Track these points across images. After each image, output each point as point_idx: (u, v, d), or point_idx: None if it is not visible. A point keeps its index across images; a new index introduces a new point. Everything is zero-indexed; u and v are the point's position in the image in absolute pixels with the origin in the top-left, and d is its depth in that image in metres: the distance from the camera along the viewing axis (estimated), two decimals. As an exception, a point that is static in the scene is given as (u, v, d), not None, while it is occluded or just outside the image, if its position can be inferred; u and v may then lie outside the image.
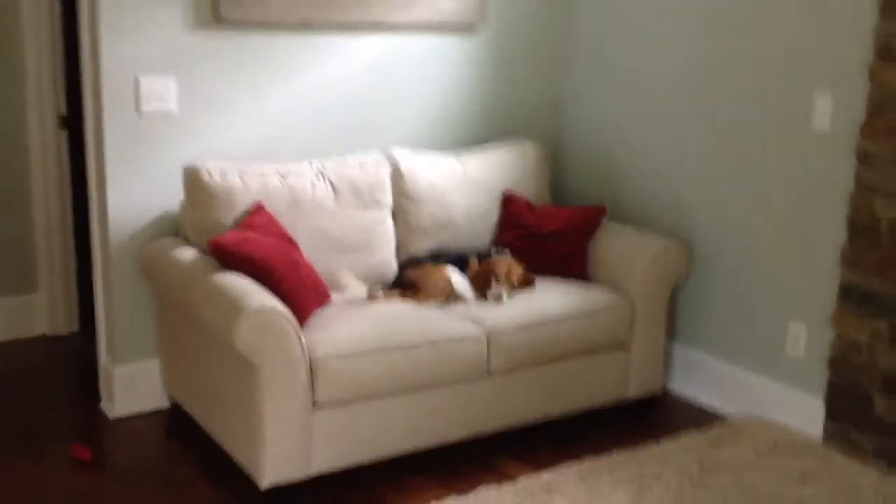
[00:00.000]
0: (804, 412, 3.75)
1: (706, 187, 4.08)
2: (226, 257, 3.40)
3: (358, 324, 3.44)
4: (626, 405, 3.97)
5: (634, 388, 3.95)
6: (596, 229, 4.14)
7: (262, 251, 3.41)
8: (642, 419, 3.98)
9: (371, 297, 3.74)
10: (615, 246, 4.05)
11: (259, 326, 3.07)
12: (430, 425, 3.48)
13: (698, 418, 3.96)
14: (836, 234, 3.62)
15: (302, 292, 3.44)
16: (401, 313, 3.58)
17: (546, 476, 3.40)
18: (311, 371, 3.20)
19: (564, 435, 3.79)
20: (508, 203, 4.27)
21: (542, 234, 4.13)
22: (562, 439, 3.76)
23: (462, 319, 3.60)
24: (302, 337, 3.18)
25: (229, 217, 3.67)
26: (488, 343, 3.53)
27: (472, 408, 3.55)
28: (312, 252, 3.75)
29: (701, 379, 4.14)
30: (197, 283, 3.37)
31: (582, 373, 3.79)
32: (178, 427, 3.83)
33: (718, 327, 4.09)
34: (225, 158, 3.83)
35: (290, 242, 3.65)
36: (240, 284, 3.26)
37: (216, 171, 3.69)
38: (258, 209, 3.70)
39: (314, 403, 3.22)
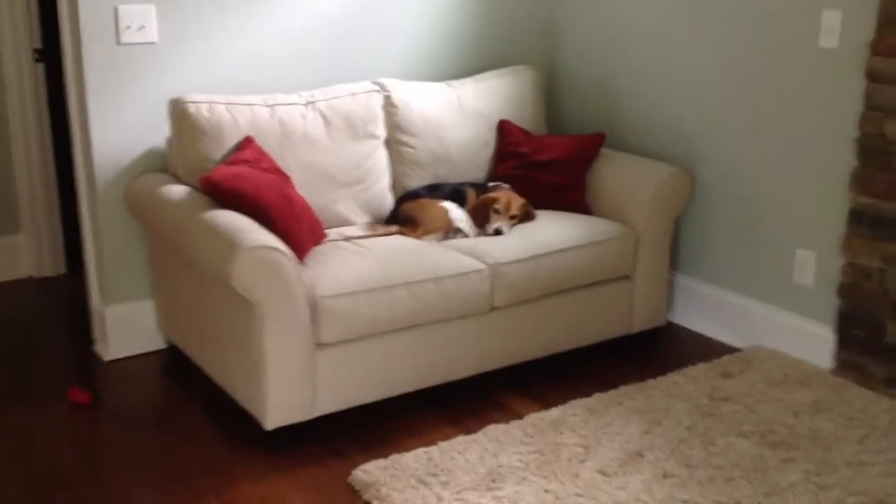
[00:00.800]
0: (813, 342, 3.69)
1: (708, 111, 3.96)
2: (218, 194, 3.26)
3: (358, 261, 3.32)
4: (631, 338, 3.89)
5: (639, 320, 3.87)
6: (595, 158, 4.02)
7: (255, 187, 3.27)
8: (648, 352, 3.91)
9: (371, 231, 3.62)
10: (616, 175, 3.94)
11: (257, 264, 2.94)
12: (434, 363, 3.38)
13: (704, 350, 3.88)
14: (845, 157, 3.52)
15: (298, 229, 3.31)
16: (401, 249, 3.46)
17: (555, 412, 3.32)
18: (313, 310, 3.09)
19: (570, 369, 3.71)
20: (505, 132, 4.13)
21: (539, 164, 4.00)
22: (568, 374, 3.68)
23: (463, 254, 3.49)
24: (302, 274, 3.06)
25: (218, 152, 3.52)
26: (491, 277, 3.43)
27: (477, 344, 3.46)
28: (305, 187, 3.61)
29: (705, 310, 4.07)
30: (189, 222, 3.22)
31: (586, 306, 3.70)
32: (175, 368, 3.71)
33: (722, 257, 4.01)
34: (210, 90, 3.66)
35: (283, 177, 3.51)
36: (234, 221, 3.12)
37: (203, 104, 3.53)
38: (248, 143, 3.55)
39: (317, 343, 3.12)
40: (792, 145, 3.69)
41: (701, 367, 3.67)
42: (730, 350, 3.87)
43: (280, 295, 3.00)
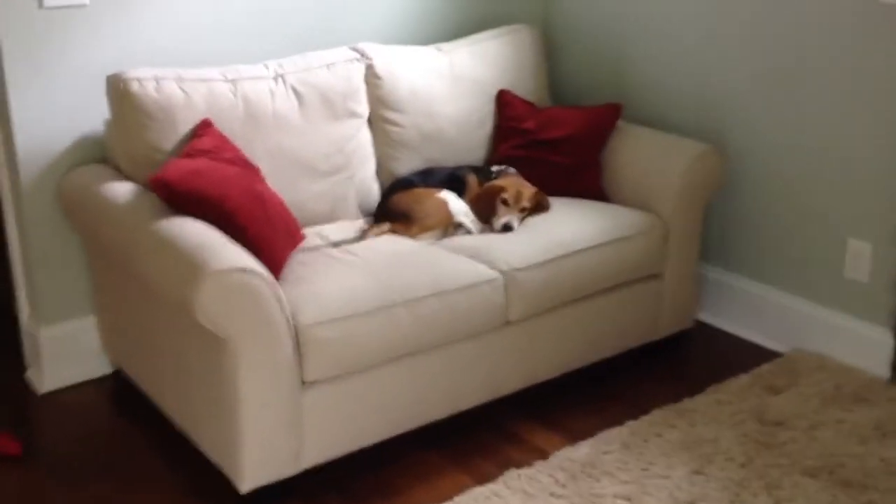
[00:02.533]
0: (867, 346, 3.21)
1: (738, 75, 3.40)
2: (173, 197, 2.64)
3: (346, 274, 2.74)
4: (656, 344, 3.38)
5: (667, 323, 3.35)
6: (610, 134, 3.46)
7: (218, 185, 2.66)
8: (676, 360, 3.40)
9: (358, 230, 3.04)
10: (637, 154, 3.38)
11: (227, 292, 2.35)
12: (440, 393, 2.83)
13: (740, 356, 3.38)
14: (912, 136, 3.01)
15: (273, 235, 2.72)
16: (396, 255, 2.88)
17: (584, 448, 2.81)
18: (297, 342, 2.52)
19: (591, 389, 3.18)
20: (505, 105, 3.55)
21: (547, 142, 3.43)
22: (590, 395, 3.15)
23: (470, 258, 2.92)
24: (282, 299, 2.48)
25: (169, 140, 2.90)
26: (506, 287, 2.87)
27: (488, 366, 2.91)
28: (276, 178, 3.00)
29: (737, 308, 3.56)
30: (138, 234, 2.61)
31: (610, 312, 3.17)
32: (124, 398, 3.11)
33: (758, 246, 3.49)
34: (157, 63, 3.02)
35: (251, 169, 2.89)
36: (195, 233, 2.52)
37: (150, 81, 2.89)
38: (206, 128, 2.92)
39: (303, 382, 2.55)
40: (845, 117, 3.15)
41: (742, 380, 3.17)
42: (768, 355, 3.38)
43: (257, 328, 2.42)
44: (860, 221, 3.19)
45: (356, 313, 2.59)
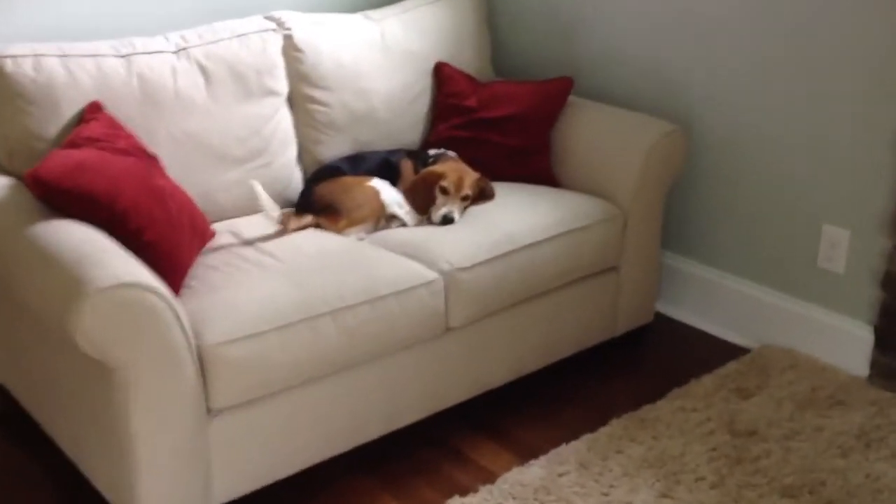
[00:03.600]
0: (844, 342, 2.92)
1: (703, 49, 3.07)
2: (54, 195, 2.24)
3: (261, 279, 2.37)
4: (612, 342, 3.06)
5: (625, 319, 3.04)
6: (561, 111, 3.11)
7: (108, 181, 2.26)
8: (635, 358, 3.09)
9: (277, 226, 2.66)
10: (591, 134, 3.04)
11: (114, 313, 1.97)
12: (374, 411, 2.49)
13: (703, 352, 3.08)
14: (894, 108, 2.70)
15: (175, 238, 2.34)
16: (321, 255, 2.52)
17: (537, 468, 2.48)
18: (201, 364, 2.15)
19: (542, 394, 2.86)
20: (444, 79, 3.18)
21: (490, 121, 3.08)
22: (541, 401, 2.83)
23: (405, 256, 2.57)
24: (182, 317, 2.10)
25: (52, 126, 2.50)
26: (447, 289, 2.53)
27: (427, 379, 2.57)
28: (181, 168, 2.63)
29: (699, 298, 3.25)
30: (9, 242, 2.21)
31: (564, 311, 2.84)
32: (10, 418, 2.72)
33: (722, 232, 3.18)
34: (34, 38, 2.60)
35: (149, 160, 2.50)
36: (75, 241, 2.12)
37: (26, 57, 2.48)
38: (95, 112, 2.52)
39: (208, 410, 2.18)
40: (822, 93, 2.83)
41: (707, 382, 2.87)
42: (734, 351, 3.08)
43: (151, 353, 2.04)
44: (837, 206, 2.88)
45: (273, 327, 2.23)
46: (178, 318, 2.08)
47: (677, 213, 3.22)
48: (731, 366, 2.96)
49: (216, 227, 2.68)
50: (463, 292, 2.55)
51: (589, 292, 2.89)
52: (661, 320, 3.25)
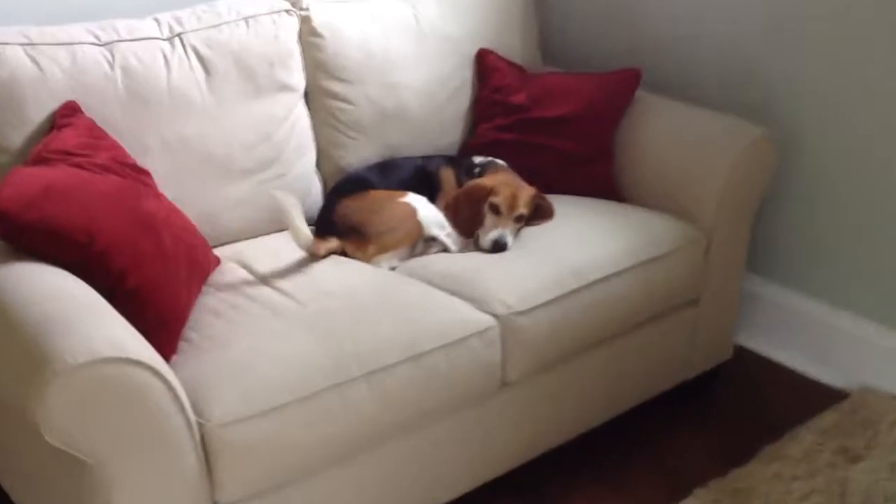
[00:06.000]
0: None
1: (793, 36, 2.58)
2: (13, 232, 1.75)
3: (278, 330, 1.89)
4: (687, 383, 2.60)
5: (702, 357, 2.58)
6: (625, 109, 2.62)
7: (84, 211, 1.78)
8: (714, 403, 2.62)
9: (316, 246, 2.17)
10: (665, 137, 2.54)
11: (87, 396, 1.49)
12: (408, 490, 2.02)
13: (792, 397, 2.63)
14: None
15: (169, 279, 1.86)
16: (347, 294, 2.04)
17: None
18: (205, 451, 1.68)
19: (605, 453, 2.39)
20: (488, 70, 2.69)
21: (542, 121, 2.59)
22: (603, 462, 2.37)
23: (451, 295, 2.10)
24: (181, 395, 1.62)
25: (14, 135, 2.03)
26: (503, 337, 2.06)
27: (479, 443, 2.10)
28: (177, 183, 2.16)
29: (783, 329, 2.77)
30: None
31: (635, 355, 2.37)
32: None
33: (813, 254, 2.69)
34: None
35: (137, 176, 2.01)
36: (39, 295, 1.64)
37: (-19, 47, 1.99)
38: (70, 116, 2.04)
39: (214, 503, 1.72)
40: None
41: (804, 437, 2.41)
42: (829, 395, 2.61)
43: (141, 443, 1.58)
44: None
45: (295, 398, 1.76)
46: (175, 397, 1.60)
47: (761, 229, 2.73)
48: (829, 416, 2.50)
49: (219, 252, 2.20)
50: (522, 340, 2.08)
51: (663, 331, 2.42)
52: (741, 355, 2.77)
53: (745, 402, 2.63)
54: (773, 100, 2.64)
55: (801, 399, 2.60)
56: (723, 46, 2.72)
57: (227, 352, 1.82)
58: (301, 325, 1.91)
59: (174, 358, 1.81)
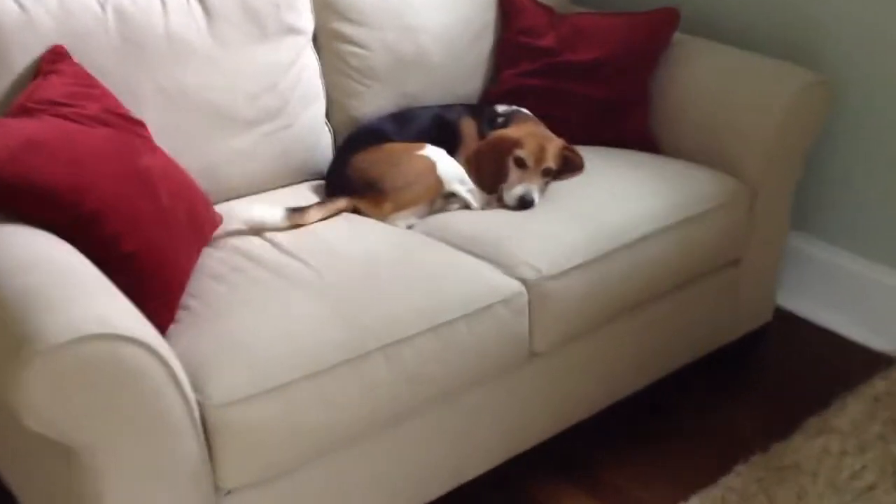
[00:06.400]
0: None
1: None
2: (-8, 191, 1.59)
3: (286, 297, 1.73)
4: (726, 347, 2.43)
5: (743, 320, 2.41)
6: (663, 52, 2.42)
7: (72, 168, 1.61)
8: (753, 370, 2.46)
9: (298, 216, 1.99)
10: (706, 83, 2.34)
11: (73, 378, 1.33)
12: (432, 469, 1.87)
13: (838, 360, 2.46)
14: None
15: (167, 242, 1.70)
16: (364, 259, 1.87)
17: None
18: (206, 433, 1.53)
19: (640, 424, 2.24)
20: (513, 11, 2.49)
21: (572, 66, 2.40)
22: (639, 434, 2.21)
23: (471, 256, 1.93)
24: (179, 374, 1.46)
25: (-2, 83, 1.84)
26: (531, 305, 1.89)
27: (506, 417, 1.95)
28: (175, 135, 1.99)
29: (826, 289, 2.59)
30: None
31: (673, 319, 2.21)
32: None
33: (862, 208, 2.50)
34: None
35: (131, 128, 1.83)
36: (21, 262, 1.47)
37: (-43, -13, 1.80)
38: (58, 63, 1.86)
39: (217, 489, 1.57)
40: None
41: (852, 408, 2.24)
42: (876, 359, 2.45)
43: (134, 428, 1.42)
44: None
45: (305, 374, 1.60)
46: (172, 375, 1.44)
47: (805, 181, 2.54)
48: (878, 384, 2.33)
49: (221, 209, 2.03)
50: (552, 307, 1.91)
51: (703, 293, 2.25)
52: (781, 317, 2.60)
53: (788, 371, 2.46)
54: (820, 42, 2.43)
55: (847, 365, 2.44)
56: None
57: (229, 322, 1.66)
58: (310, 291, 1.74)
59: (172, 327, 1.66)
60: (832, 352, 2.51)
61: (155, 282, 1.66)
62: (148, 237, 1.66)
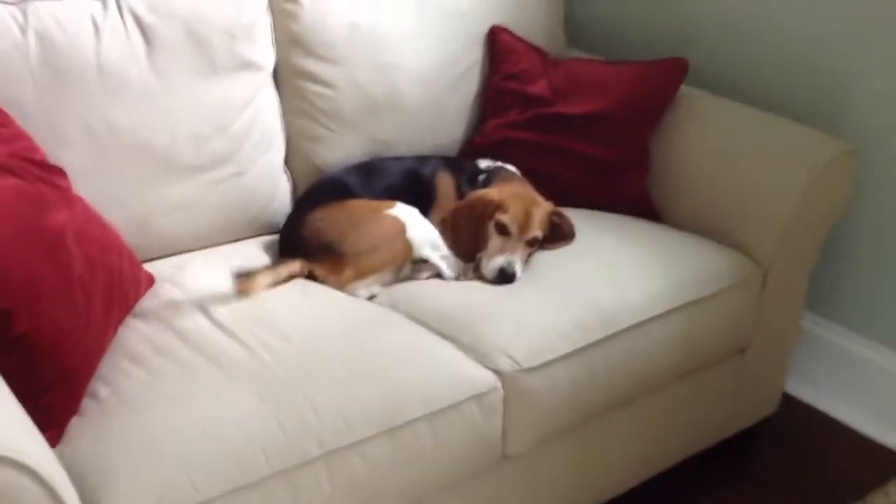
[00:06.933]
0: None
1: (877, 23, 2.11)
2: None
3: (213, 388, 1.44)
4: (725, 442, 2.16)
5: (745, 413, 2.14)
6: (666, 107, 2.16)
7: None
8: (755, 464, 2.18)
9: (240, 285, 1.71)
10: (715, 144, 2.07)
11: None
12: None
13: (852, 459, 2.18)
14: None
15: (76, 324, 1.43)
16: (311, 337, 1.59)
17: None
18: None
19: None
20: (501, 52, 2.22)
21: (567, 119, 2.13)
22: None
23: (439, 338, 1.65)
24: (65, 494, 1.17)
25: None
26: (505, 400, 1.61)
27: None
28: (101, 182, 1.73)
29: (840, 377, 2.31)
30: None
31: (665, 415, 1.93)
32: None
33: (880, 291, 2.24)
34: None
35: (43, 177, 1.54)
36: None
37: None
38: (-38, 95, 1.58)
39: None
40: None
41: (865, 519, 1.99)
42: (890, 459, 2.18)
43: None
44: None
45: (227, 489, 1.32)
46: (56, 500, 1.15)
47: (820, 257, 2.27)
48: (893, 492, 2.06)
49: (152, 268, 1.76)
50: (531, 404, 1.64)
51: (703, 385, 1.97)
52: (788, 405, 2.32)
53: (793, 465, 2.18)
54: (841, 104, 2.17)
55: (860, 465, 2.16)
56: (785, 33, 2.24)
57: (142, 418, 1.38)
58: (244, 381, 1.47)
59: (73, 420, 1.38)
60: (843, 448, 2.24)
61: (54, 368, 1.38)
62: (48, 315, 1.37)
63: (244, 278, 1.69)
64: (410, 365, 1.57)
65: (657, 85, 2.14)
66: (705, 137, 2.09)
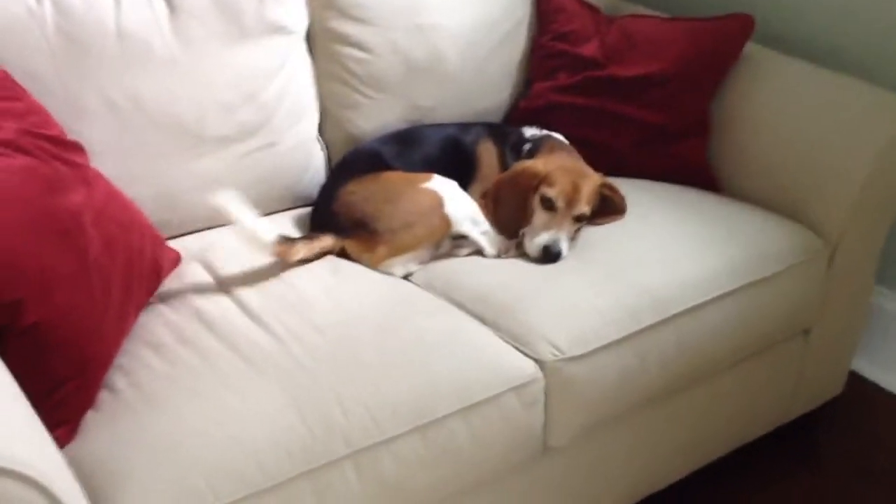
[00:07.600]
0: None
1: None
2: None
3: (237, 384, 1.36)
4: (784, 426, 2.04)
5: (807, 397, 2.01)
6: (730, 69, 2.00)
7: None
8: (817, 447, 2.05)
9: (279, 249, 1.62)
10: (783, 110, 1.91)
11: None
12: None
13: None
14: None
15: (92, 312, 1.36)
16: (344, 322, 1.50)
17: None
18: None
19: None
20: (550, 11, 2.09)
21: (621, 82, 1.99)
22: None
23: (477, 322, 1.55)
24: (73, 501, 1.11)
25: None
26: (546, 391, 1.51)
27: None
28: (123, 157, 1.65)
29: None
30: None
31: (723, 401, 1.82)
32: None
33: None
34: None
35: (58, 154, 1.46)
36: None
37: None
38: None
39: None
40: None
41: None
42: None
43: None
44: None
45: (249, 493, 1.25)
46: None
47: (894, 231, 2.10)
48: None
49: (180, 245, 1.68)
50: (573, 395, 1.53)
51: (763, 369, 1.85)
52: (855, 384, 2.18)
53: (859, 450, 2.06)
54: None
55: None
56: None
57: (158, 415, 1.31)
58: (268, 373, 1.38)
59: (88, 414, 1.32)
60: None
61: (68, 359, 1.31)
62: (61, 303, 1.30)
63: (284, 243, 1.61)
64: (445, 355, 1.47)
65: (719, 43, 1.98)
66: (771, 101, 1.93)
